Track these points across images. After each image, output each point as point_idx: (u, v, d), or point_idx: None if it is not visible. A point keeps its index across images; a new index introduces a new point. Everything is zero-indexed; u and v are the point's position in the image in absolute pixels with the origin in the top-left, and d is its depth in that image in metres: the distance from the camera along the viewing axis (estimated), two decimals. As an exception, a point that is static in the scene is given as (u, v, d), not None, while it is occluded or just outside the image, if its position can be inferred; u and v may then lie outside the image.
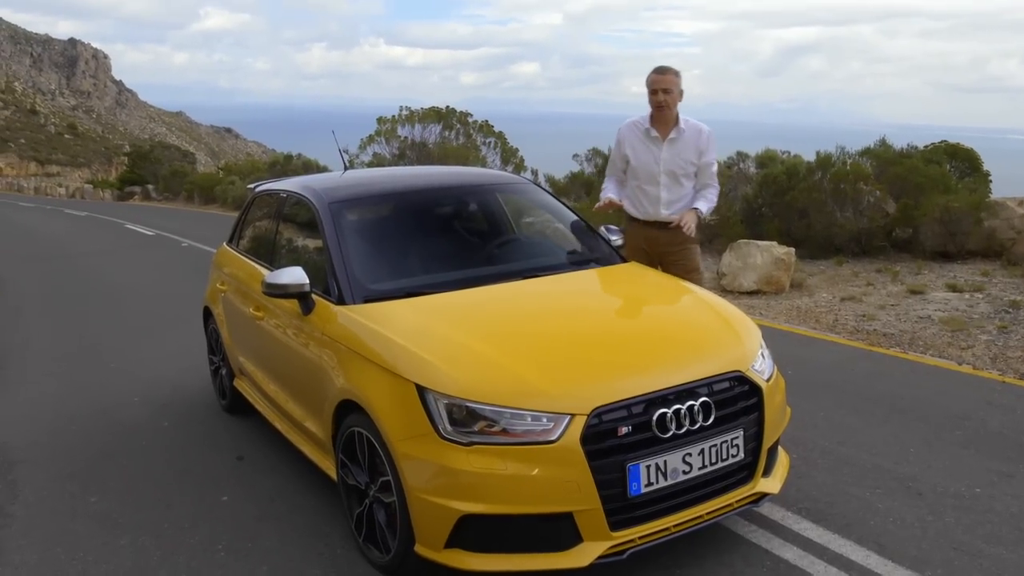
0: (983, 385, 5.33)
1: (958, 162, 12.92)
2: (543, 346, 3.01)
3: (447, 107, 19.31)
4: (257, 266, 4.52)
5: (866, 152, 11.65)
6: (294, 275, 3.58)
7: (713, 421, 2.90)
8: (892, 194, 10.80)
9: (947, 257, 10.10)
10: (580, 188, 15.06)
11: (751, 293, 8.77)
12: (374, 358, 3.08)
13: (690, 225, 4.39)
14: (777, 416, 3.25)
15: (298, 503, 3.90)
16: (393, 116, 19.43)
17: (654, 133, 4.47)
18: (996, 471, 3.94)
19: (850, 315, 7.56)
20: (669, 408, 2.80)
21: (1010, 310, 7.36)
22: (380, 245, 3.93)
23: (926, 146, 13.19)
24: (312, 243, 4.00)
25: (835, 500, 3.67)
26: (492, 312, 3.35)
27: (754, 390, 3.07)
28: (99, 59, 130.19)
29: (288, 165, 24.34)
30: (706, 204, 4.52)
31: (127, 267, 13.14)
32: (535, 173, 18.50)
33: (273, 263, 4.32)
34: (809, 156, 12.14)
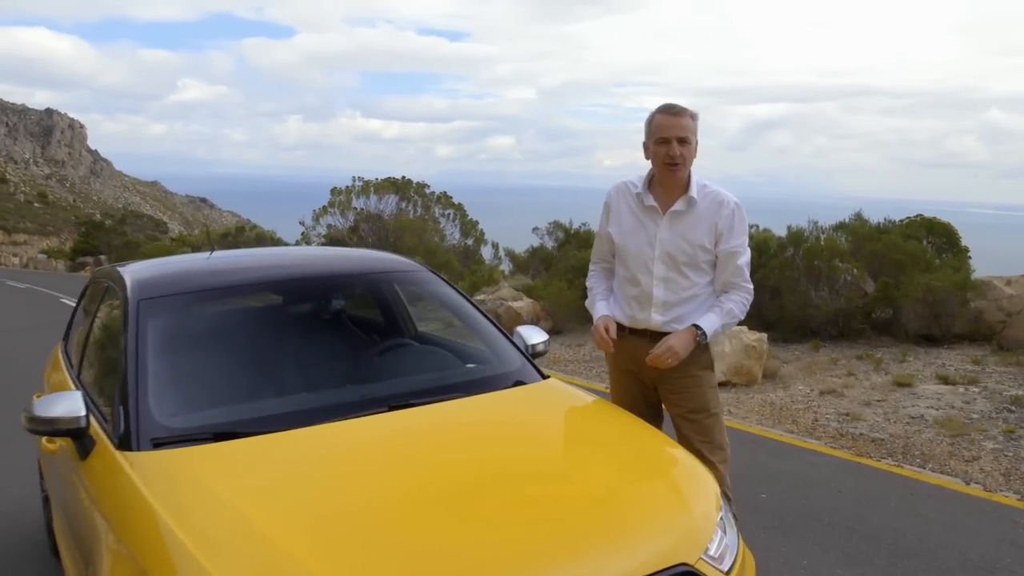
0: (1001, 515, 4.32)
1: (935, 237, 12.19)
2: (384, 532, 1.96)
3: (403, 177, 18.51)
4: (69, 379, 3.46)
5: (841, 227, 10.88)
6: (69, 404, 2.52)
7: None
8: (870, 272, 9.97)
9: (932, 341, 9.22)
10: (539, 263, 14.17)
11: (719, 386, 7.77)
12: (128, 542, 2.03)
13: (662, 357, 2.96)
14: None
15: None
16: (347, 187, 18.58)
17: (650, 201, 3.04)
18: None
19: (831, 413, 6.57)
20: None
21: (1013, 408, 6.41)
22: (202, 360, 2.88)
23: (901, 220, 12.48)
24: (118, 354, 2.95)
25: None
26: (329, 470, 2.28)
27: (708, 591, 2.04)
28: (75, 128, 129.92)
29: (240, 237, 23.33)
30: (720, 318, 3.02)
31: (40, 350, 11.89)
32: (495, 247, 17.66)
33: (81, 376, 3.27)
34: (778, 229, 11.36)
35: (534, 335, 3.35)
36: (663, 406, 3.23)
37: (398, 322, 3.77)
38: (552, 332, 10.62)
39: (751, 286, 3.11)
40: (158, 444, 2.39)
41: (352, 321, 3.71)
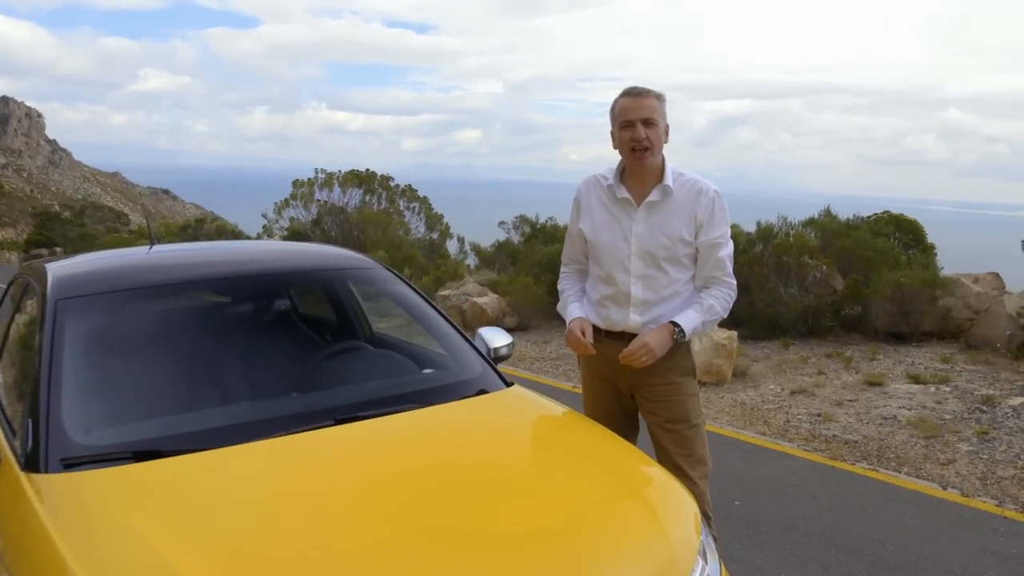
0: (981, 523, 4.18)
1: (902, 234, 12.19)
2: (315, 572, 1.70)
3: (367, 170, 18.12)
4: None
5: (810, 223, 10.78)
6: None
7: None
8: (839, 269, 9.89)
9: (900, 338, 9.16)
10: (505, 258, 13.92)
11: (689, 384, 7.60)
12: None
13: (637, 355, 2.70)
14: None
15: None
16: (310, 179, 18.13)
17: (623, 193, 2.80)
18: None
19: (803, 414, 6.42)
20: None
21: (985, 408, 6.32)
22: (126, 368, 2.59)
23: (868, 216, 12.45)
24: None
25: None
26: (260, 497, 2.00)
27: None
28: (32, 117, 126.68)
29: (200, 229, 22.75)
30: (700, 314, 2.77)
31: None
32: (461, 241, 17.37)
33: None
34: (746, 225, 11.23)
35: (497, 338, 3.11)
36: (640, 415, 3.00)
37: (352, 322, 3.51)
38: (518, 329, 10.39)
39: (734, 281, 2.85)
40: (69, 465, 2.10)
41: (301, 322, 3.45)
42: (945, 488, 4.72)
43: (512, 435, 2.50)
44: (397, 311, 3.18)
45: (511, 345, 3.12)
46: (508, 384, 2.83)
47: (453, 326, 3.05)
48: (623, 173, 2.86)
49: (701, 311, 2.79)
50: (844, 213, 12.23)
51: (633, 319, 2.82)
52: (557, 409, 2.73)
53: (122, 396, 2.48)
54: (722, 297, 2.82)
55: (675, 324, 2.75)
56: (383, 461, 2.21)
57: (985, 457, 5.19)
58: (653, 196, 2.77)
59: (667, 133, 2.79)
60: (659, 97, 2.74)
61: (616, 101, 2.79)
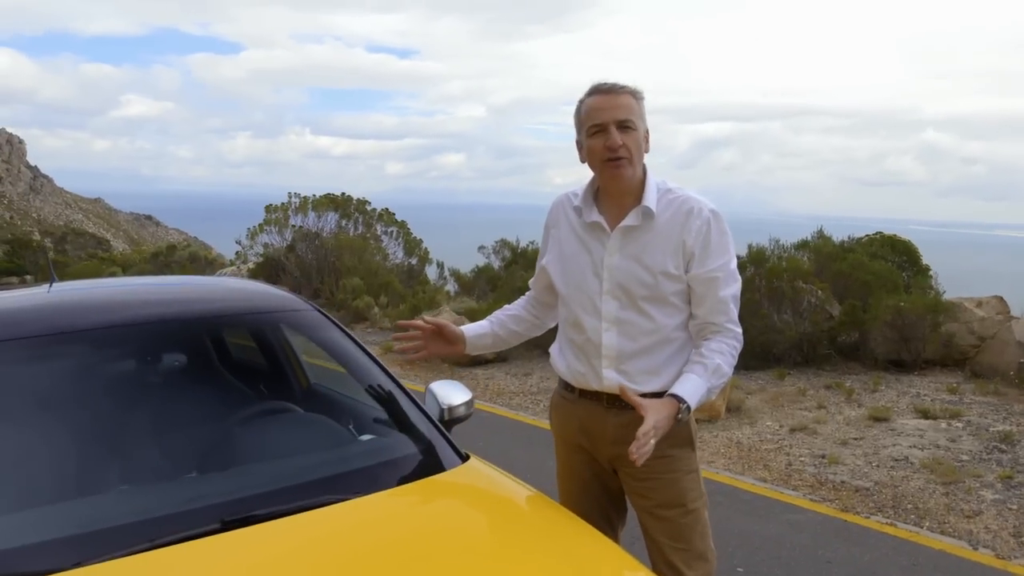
0: (1024, 594, 3.63)
1: (896, 255, 11.74)
2: None
3: (343, 194, 17.51)
4: None
5: (803, 245, 10.29)
6: None
7: None
8: (835, 293, 9.38)
9: (901, 367, 8.64)
10: (485, 283, 13.35)
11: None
12: None
13: (642, 450, 1.95)
14: None
15: None
16: (283, 204, 17.53)
17: (593, 215, 2.22)
18: None
19: (806, 455, 5.86)
20: None
21: (1003, 447, 5.78)
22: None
23: (858, 238, 11.99)
24: None
25: None
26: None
27: None
28: (13, 144, 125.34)
29: (172, 256, 22.06)
30: (705, 379, 2.12)
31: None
32: (440, 266, 16.80)
33: None
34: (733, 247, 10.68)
35: (453, 394, 2.53)
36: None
37: (284, 374, 2.92)
38: (496, 360, 9.80)
39: (739, 329, 2.21)
40: None
41: (220, 376, 2.84)
42: (976, 548, 4.15)
43: (465, 539, 1.90)
44: (330, 363, 2.59)
45: (470, 402, 2.54)
46: (464, 458, 2.24)
47: (396, 383, 2.46)
48: (597, 191, 2.27)
49: (706, 375, 2.13)
50: (831, 234, 11.78)
51: (608, 376, 2.19)
52: (522, 493, 2.14)
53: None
54: (728, 351, 2.18)
55: (678, 399, 2.08)
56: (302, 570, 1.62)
57: (1015, 508, 4.64)
58: (630, 220, 2.17)
59: (648, 139, 2.20)
60: (635, 94, 2.16)
61: (582, 102, 2.20)
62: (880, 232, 12.31)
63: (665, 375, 2.19)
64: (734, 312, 2.20)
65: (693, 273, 2.16)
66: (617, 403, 2.18)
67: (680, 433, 2.22)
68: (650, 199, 2.16)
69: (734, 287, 2.20)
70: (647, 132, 2.19)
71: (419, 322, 2.39)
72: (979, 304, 8.91)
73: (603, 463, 2.32)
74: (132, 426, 2.26)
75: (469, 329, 2.45)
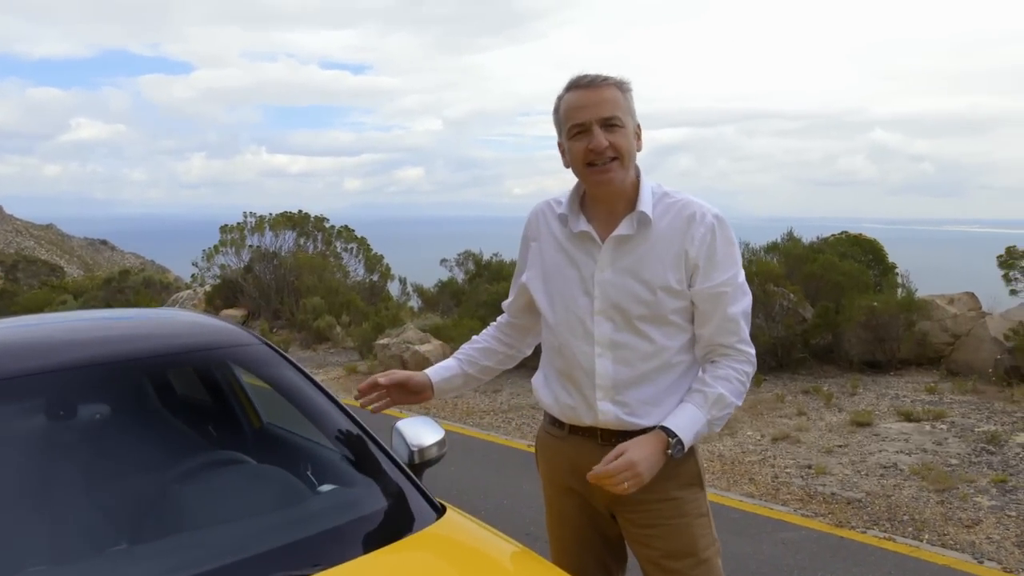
0: (1038, 611, 3.42)
1: (863, 254, 11.69)
2: None
3: (300, 211, 17.10)
4: None
5: (772, 248, 10.15)
6: None
7: None
8: (806, 295, 9.25)
9: (876, 367, 8.52)
10: (450, 298, 13.03)
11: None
12: None
13: (616, 477, 1.76)
14: None
15: None
16: (239, 223, 17.04)
17: (581, 225, 1.95)
18: None
19: (792, 466, 5.64)
20: None
21: (991, 448, 5.63)
22: None
23: (827, 237, 11.93)
24: None
25: None
26: None
27: None
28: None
29: (125, 281, 21.35)
30: (703, 410, 1.87)
31: None
32: (403, 282, 16.43)
33: None
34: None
35: (423, 433, 2.24)
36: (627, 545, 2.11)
37: (234, 416, 2.59)
38: (466, 377, 9.48)
39: (752, 350, 1.95)
40: None
41: (160, 423, 2.51)
42: (980, 561, 3.95)
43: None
44: (279, 406, 2.28)
45: (443, 443, 2.25)
46: (440, 510, 1.95)
47: (358, 423, 2.16)
48: (583, 197, 2.00)
49: (705, 405, 1.87)
50: (818, 236, 11.71)
51: (604, 410, 1.91)
52: (506, 550, 1.85)
53: None
54: (735, 378, 1.90)
55: (668, 432, 1.83)
56: None
57: (1014, 514, 4.45)
58: (623, 228, 1.89)
59: (639, 135, 1.93)
60: (620, 86, 1.88)
61: (560, 99, 1.92)
62: (845, 231, 12.27)
63: (668, 405, 1.91)
64: (745, 331, 1.94)
65: (697, 288, 1.88)
66: (613, 439, 1.90)
67: (687, 472, 1.94)
68: (645, 204, 1.88)
69: (744, 302, 1.93)
70: (638, 127, 1.92)
71: (378, 379, 2.08)
72: (951, 301, 8.83)
73: (599, 507, 2.03)
74: (50, 490, 1.92)
75: (435, 373, 2.17)
